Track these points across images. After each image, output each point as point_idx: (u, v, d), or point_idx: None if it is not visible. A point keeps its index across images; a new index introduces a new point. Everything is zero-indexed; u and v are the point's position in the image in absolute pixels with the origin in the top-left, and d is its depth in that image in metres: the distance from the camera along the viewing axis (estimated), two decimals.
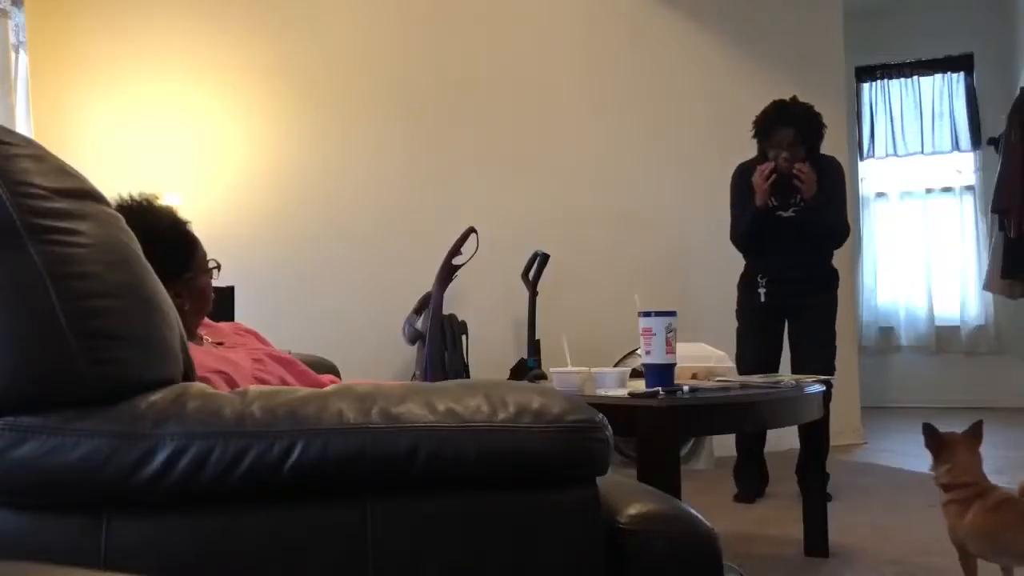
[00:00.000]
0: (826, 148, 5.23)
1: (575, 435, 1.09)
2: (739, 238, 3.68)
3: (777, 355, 3.62)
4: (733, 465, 3.72)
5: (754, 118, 3.57)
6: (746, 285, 3.69)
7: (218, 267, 2.11)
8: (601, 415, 1.13)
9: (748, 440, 3.68)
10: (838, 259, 5.21)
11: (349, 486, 1.05)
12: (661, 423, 2.25)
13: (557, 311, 4.46)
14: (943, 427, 2.31)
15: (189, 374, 1.20)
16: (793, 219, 3.55)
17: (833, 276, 3.73)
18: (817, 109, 5.15)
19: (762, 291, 3.61)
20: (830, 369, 3.48)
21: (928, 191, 6.84)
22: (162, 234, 1.93)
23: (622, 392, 2.43)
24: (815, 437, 3.26)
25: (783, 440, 3.89)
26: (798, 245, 3.56)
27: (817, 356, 3.52)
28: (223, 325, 2.24)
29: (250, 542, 1.04)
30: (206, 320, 2.12)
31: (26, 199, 1.02)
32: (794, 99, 3.57)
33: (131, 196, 1.97)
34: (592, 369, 2.59)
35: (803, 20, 5.24)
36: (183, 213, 2.06)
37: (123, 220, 1.15)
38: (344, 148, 4.56)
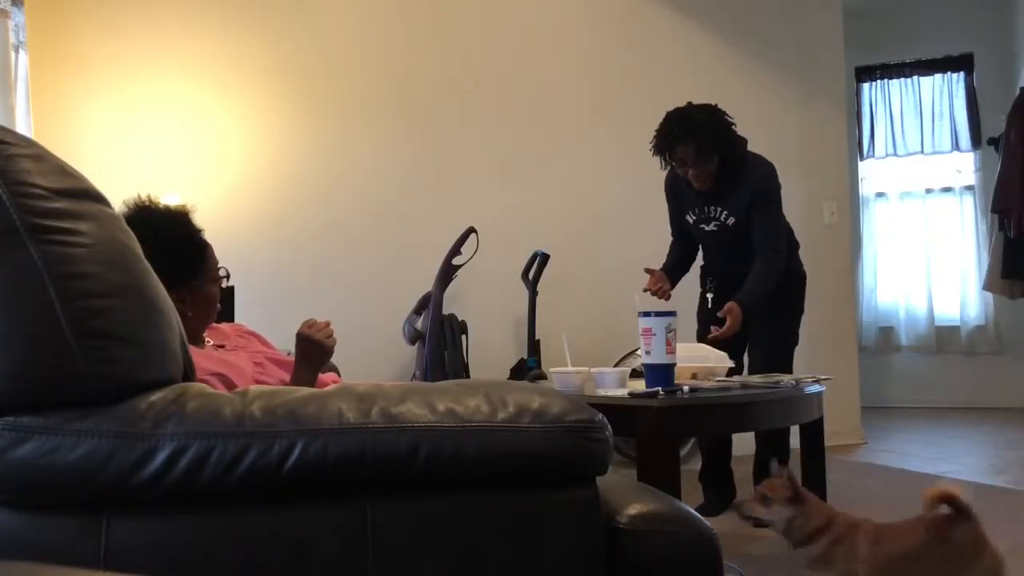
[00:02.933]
0: (826, 148, 5.29)
1: (575, 435, 1.09)
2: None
3: (736, 358, 3.30)
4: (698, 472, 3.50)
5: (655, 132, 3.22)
6: (701, 287, 3.52)
7: (227, 275, 2.11)
8: (601, 415, 1.13)
9: (711, 452, 3.45)
10: (838, 259, 5.25)
11: (349, 486, 1.05)
12: (661, 423, 2.25)
13: (557, 311, 4.46)
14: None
15: (189, 374, 1.20)
16: (716, 232, 3.32)
17: (788, 275, 3.32)
18: (816, 109, 5.20)
19: (710, 296, 3.42)
20: (778, 367, 3.14)
21: (928, 191, 6.83)
22: (173, 238, 1.92)
23: (622, 392, 2.43)
24: (774, 441, 3.24)
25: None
26: (728, 251, 3.32)
27: (762, 355, 3.25)
28: (225, 326, 2.23)
29: (250, 542, 1.04)
30: (222, 332, 2.13)
31: (26, 199, 1.02)
32: (690, 105, 3.20)
33: (149, 198, 1.97)
34: (592, 369, 2.60)
35: (803, 20, 5.24)
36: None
37: (123, 220, 1.15)
38: (344, 148, 4.56)
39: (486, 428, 1.08)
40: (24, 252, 1.00)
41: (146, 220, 1.89)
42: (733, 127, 3.21)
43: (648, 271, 3.36)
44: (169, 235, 1.91)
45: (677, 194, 3.41)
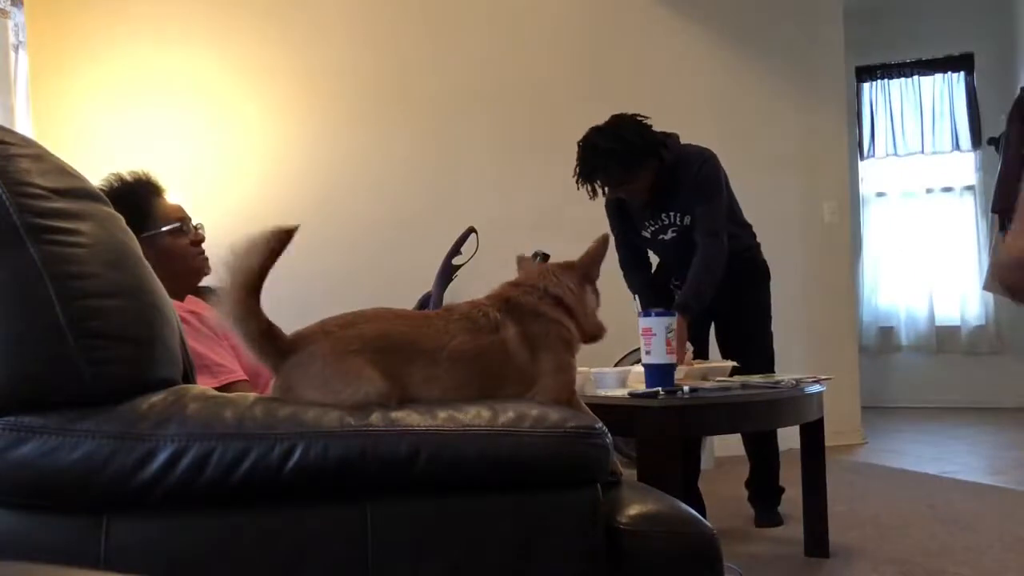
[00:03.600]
0: (826, 148, 5.28)
1: (574, 440, 1.10)
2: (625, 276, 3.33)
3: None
4: None
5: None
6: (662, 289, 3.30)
7: (200, 227, 2.08)
8: (600, 422, 1.14)
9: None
10: (838, 259, 5.25)
11: (349, 489, 1.05)
12: (661, 423, 2.25)
13: None
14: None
15: (189, 375, 1.20)
16: (676, 239, 3.14)
17: (754, 269, 3.22)
18: (816, 109, 5.20)
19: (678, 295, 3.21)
20: (762, 366, 3.08)
21: (928, 191, 6.83)
22: (121, 189, 1.93)
23: (622, 392, 2.43)
24: (762, 447, 3.25)
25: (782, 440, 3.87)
26: (691, 254, 3.07)
27: (744, 353, 3.09)
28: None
29: (250, 544, 1.04)
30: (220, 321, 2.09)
31: (26, 199, 1.02)
32: (597, 131, 3.04)
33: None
34: (592, 369, 2.59)
35: (803, 20, 5.23)
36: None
37: (123, 220, 1.15)
38: (344, 148, 4.56)
39: (486, 433, 1.08)
40: (24, 252, 1.00)
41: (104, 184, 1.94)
42: (649, 136, 3.03)
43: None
44: (117, 187, 1.93)
45: (625, 214, 3.24)
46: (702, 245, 3.03)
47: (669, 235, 3.17)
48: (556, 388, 1.25)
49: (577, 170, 3.05)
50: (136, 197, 1.99)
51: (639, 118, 3.06)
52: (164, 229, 2.01)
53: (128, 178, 2.01)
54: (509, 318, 1.30)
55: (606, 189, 3.10)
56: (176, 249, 2.01)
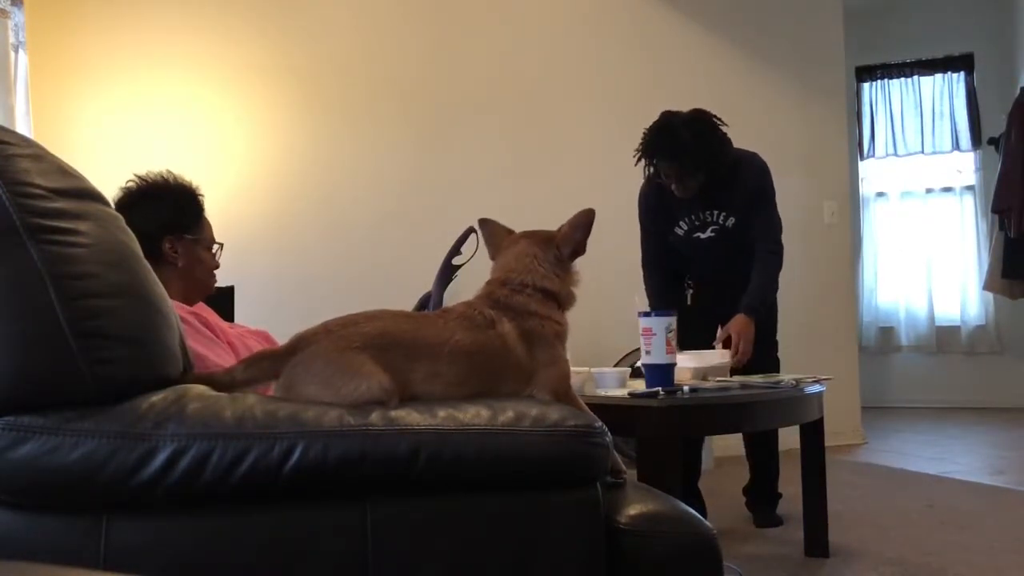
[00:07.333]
0: (826, 148, 5.28)
1: (574, 440, 1.10)
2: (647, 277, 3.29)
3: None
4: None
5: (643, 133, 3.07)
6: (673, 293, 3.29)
7: (221, 246, 2.17)
8: (599, 421, 1.14)
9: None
10: (838, 259, 5.25)
11: (349, 488, 1.05)
12: (661, 423, 2.25)
13: None
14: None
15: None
16: (714, 238, 3.15)
17: None
18: (816, 109, 5.20)
19: (689, 292, 3.25)
20: (769, 370, 3.09)
21: (928, 191, 6.83)
22: (179, 188, 2.06)
23: (622, 392, 2.43)
24: (763, 454, 3.24)
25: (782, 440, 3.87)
26: (724, 256, 3.13)
27: (753, 357, 3.06)
28: (238, 329, 2.21)
29: (250, 543, 1.04)
30: (219, 323, 2.10)
31: (26, 199, 1.02)
32: (678, 118, 3.03)
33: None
34: (592, 369, 2.60)
35: (803, 20, 5.24)
36: None
37: (123, 220, 1.15)
38: (345, 148, 4.56)
39: (486, 432, 1.08)
40: (24, 252, 1.00)
41: (156, 174, 2.11)
42: (720, 136, 3.04)
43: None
44: (175, 185, 2.06)
45: (661, 206, 3.20)
46: (765, 255, 3.09)
47: (707, 233, 3.16)
48: (553, 380, 1.30)
49: (642, 146, 3.06)
50: (194, 199, 2.10)
51: (715, 119, 3.07)
52: (206, 242, 2.11)
53: (187, 180, 2.14)
54: (504, 315, 1.34)
55: (651, 170, 3.10)
56: (205, 263, 2.10)
